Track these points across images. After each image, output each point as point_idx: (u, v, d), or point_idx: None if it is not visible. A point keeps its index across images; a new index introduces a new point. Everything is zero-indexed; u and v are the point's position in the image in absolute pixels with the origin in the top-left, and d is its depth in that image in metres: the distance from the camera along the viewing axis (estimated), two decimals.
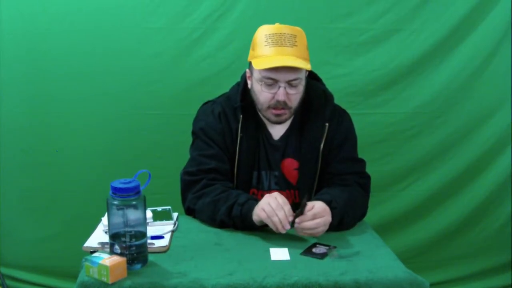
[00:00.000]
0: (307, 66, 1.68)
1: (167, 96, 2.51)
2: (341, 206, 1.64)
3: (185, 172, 1.79)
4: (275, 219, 1.52)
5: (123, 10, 2.44)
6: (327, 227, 1.57)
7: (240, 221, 1.63)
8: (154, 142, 2.54)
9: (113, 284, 1.29)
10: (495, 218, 2.67)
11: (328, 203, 1.62)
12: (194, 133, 1.86)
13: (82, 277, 1.33)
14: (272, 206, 1.53)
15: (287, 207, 1.54)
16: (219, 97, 1.89)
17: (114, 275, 1.29)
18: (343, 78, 2.51)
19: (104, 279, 1.29)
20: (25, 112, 2.54)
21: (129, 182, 1.35)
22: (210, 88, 2.27)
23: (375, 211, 2.51)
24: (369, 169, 1.87)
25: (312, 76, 1.89)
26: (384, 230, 2.43)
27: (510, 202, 2.64)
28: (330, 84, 1.94)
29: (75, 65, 2.48)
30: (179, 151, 2.01)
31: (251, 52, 1.76)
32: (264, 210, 1.55)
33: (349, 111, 1.92)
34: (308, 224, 1.53)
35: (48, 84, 2.50)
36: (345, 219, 1.66)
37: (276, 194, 1.57)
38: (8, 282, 2.65)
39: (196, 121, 1.87)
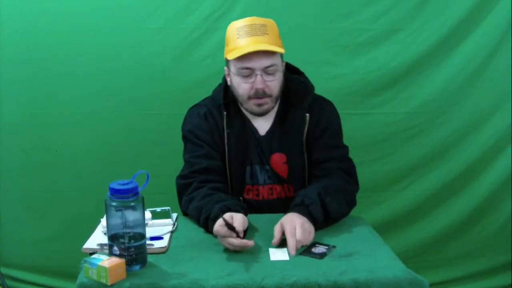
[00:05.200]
0: (280, 50, 1.71)
1: (167, 96, 2.51)
2: (315, 199, 1.60)
3: (179, 176, 1.82)
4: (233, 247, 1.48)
5: (123, 10, 2.44)
6: (308, 227, 1.54)
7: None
8: (154, 142, 2.55)
9: (112, 285, 1.29)
10: (495, 218, 2.66)
11: (300, 203, 1.61)
12: (183, 137, 1.88)
13: (81, 278, 1.33)
14: (232, 243, 1.47)
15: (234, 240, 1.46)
16: (203, 100, 1.93)
17: (113, 276, 1.29)
18: (343, 78, 2.50)
19: (103, 280, 1.29)
20: (25, 112, 2.54)
21: (127, 183, 1.35)
22: (210, 88, 2.25)
23: (375, 211, 2.52)
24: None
25: (294, 71, 1.90)
26: (384, 230, 2.42)
27: (510, 202, 2.64)
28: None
29: (75, 65, 2.48)
30: (179, 151, 2.00)
31: (225, 49, 1.78)
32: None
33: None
34: (292, 242, 1.47)
35: (48, 84, 2.51)
36: (328, 208, 1.61)
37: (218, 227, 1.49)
38: (8, 282, 2.65)
39: (183, 125, 1.90)
